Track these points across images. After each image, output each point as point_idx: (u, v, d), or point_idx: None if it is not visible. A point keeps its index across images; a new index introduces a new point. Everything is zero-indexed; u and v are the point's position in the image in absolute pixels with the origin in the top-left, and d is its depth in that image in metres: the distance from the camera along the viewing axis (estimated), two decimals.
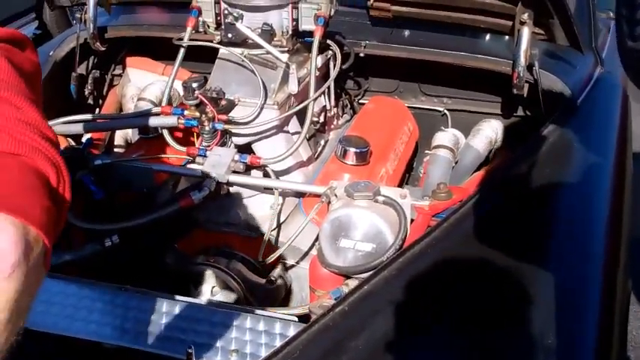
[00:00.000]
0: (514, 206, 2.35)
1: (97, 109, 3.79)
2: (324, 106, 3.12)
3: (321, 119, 3.11)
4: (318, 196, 2.57)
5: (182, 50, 2.87)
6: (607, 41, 3.48)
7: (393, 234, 2.35)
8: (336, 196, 2.47)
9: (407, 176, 3.38)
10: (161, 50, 3.56)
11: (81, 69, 3.67)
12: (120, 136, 3.54)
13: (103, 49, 3.56)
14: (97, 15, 3.45)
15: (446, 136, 3.18)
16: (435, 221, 2.49)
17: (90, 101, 3.76)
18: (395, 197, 2.43)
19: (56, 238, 1.03)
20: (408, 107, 3.53)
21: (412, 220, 2.49)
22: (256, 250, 2.68)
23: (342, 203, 2.44)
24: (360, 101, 3.66)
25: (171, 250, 2.76)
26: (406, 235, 2.37)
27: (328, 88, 3.00)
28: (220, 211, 2.83)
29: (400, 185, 3.16)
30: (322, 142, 3.24)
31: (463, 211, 2.28)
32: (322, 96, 3.08)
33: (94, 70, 3.73)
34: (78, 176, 2.67)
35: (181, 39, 2.88)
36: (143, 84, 3.60)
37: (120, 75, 3.86)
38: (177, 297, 2.19)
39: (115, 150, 3.40)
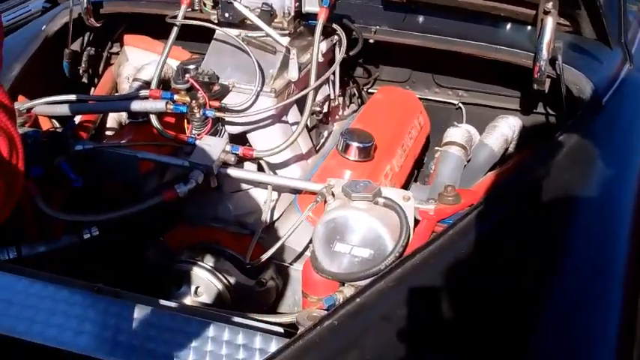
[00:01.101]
0: (527, 215, 2.13)
1: (92, 89, 3.58)
2: (328, 95, 2.89)
3: (324, 109, 2.89)
4: (315, 193, 2.36)
5: (175, 29, 2.66)
6: (637, 36, 3.22)
7: (393, 240, 2.14)
8: (333, 195, 2.25)
9: (416, 173, 3.14)
10: (161, 28, 3.31)
11: (75, 46, 3.46)
12: (113, 119, 3.32)
13: (98, 25, 3.35)
14: None
15: (458, 133, 2.95)
16: (440, 227, 2.26)
17: (84, 80, 3.55)
18: (397, 199, 2.21)
19: (8, 213, 0.99)
20: (421, 99, 3.30)
21: (416, 225, 2.27)
22: (247, 248, 2.47)
23: (338, 204, 2.22)
24: (370, 91, 3.44)
25: (155, 245, 2.56)
26: (408, 242, 2.15)
27: (333, 75, 2.78)
28: (209, 204, 2.63)
29: (408, 183, 2.93)
30: (325, 134, 3.02)
31: (471, 218, 2.06)
32: (326, 84, 2.86)
33: (89, 48, 3.51)
34: (56, 162, 2.46)
35: (175, 17, 2.66)
36: (141, 63, 3.38)
37: (117, 53, 3.64)
38: (152, 300, 1.97)
39: (107, 134, 3.19)
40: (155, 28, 3.43)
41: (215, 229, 2.61)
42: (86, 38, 3.51)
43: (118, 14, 3.39)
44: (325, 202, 2.26)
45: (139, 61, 3.48)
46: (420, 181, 3.23)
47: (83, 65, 3.49)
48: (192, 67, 2.50)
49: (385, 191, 2.24)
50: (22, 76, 3.03)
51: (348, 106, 3.24)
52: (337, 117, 3.09)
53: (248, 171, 2.47)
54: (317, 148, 2.94)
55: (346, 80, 3.27)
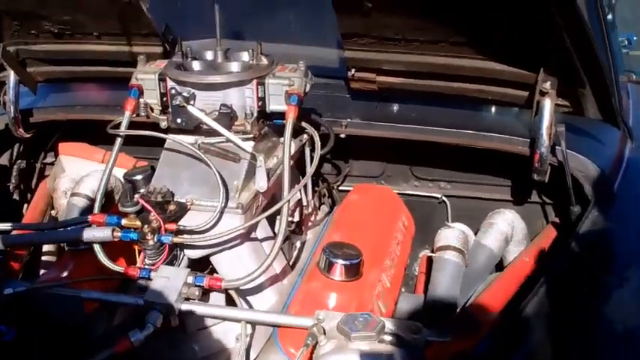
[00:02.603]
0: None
1: (25, 206, 3.14)
2: (300, 201, 2.51)
3: (296, 217, 2.50)
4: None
5: (119, 140, 2.26)
6: (629, 109, 2.92)
7: None
8: (324, 333, 1.84)
9: None
10: (100, 133, 2.92)
11: (3, 160, 3.04)
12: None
13: (29, 135, 2.94)
14: (20, 95, 2.83)
15: (453, 234, 2.58)
16: None
17: (15, 197, 3.12)
18: (405, 334, 1.81)
19: None
20: (398, 194, 2.93)
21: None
22: None
23: (334, 346, 1.81)
24: (341, 188, 3.06)
25: None
26: None
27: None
28: (173, 348, 2.19)
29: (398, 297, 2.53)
30: (298, 245, 2.62)
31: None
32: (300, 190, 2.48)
33: (19, 160, 3.09)
34: None
35: (118, 126, 2.26)
36: (79, 175, 2.96)
37: (52, 164, 3.22)
38: None
39: (43, 264, 2.72)
40: (93, 132, 3.03)
41: None
42: (15, 150, 3.10)
43: (50, 122, 2.98)
44: (316, 344, 1.84)
45: (76, 171, 3.07)
46: (405, 287, 2.83)
47: (13, 181, 3.10)
48: (139, 178, 2.11)
49: (388, 323, 1.84)
50: None
51: (319, 209, 2.85)
52: (310, 223, 2.70)
53: (216, 306, 2.04)
54: (291, 262, 2.53)
55: (314, 179, 2.90)
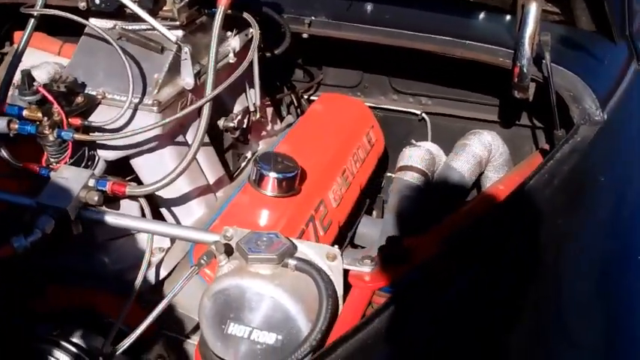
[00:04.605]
0: (504, 280, 1.48)
1: None
2: (248, 107, 2.22)
3: (244, 124, 2.22)
4: None
5: (32, 21, 1.99)
6: None
7: (309, 320, 1.47)
8: (227, 254, 1.57)
9: (366, 203, 2.45)
10: (60, 24, 2.66)
11: None
12: None
13: None
14: None
15: (416, 154, 2.29)
16: (381, 298, 1.59)
17: None
18: (318, 259, 1.55)
19: None
20: (374, 108, 2.66)
21: (345, 295, 1.60)
22: (131, 314, 1.80)
23: (232, 267, 1.55)
24: (312, 98, 2.77)
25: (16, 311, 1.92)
26: (332, 323, 1.48)
27: (250, 81, 2.11)
28: (83, 256, 1.96)
29: (353, 219, 2.26)
30: (249, 155, 2.35)
31: (421, 286, 1.42)
32: (245, 93, 2.20)
33: None
34: None
35: (33, 6, 1.99)
36: (31, 66, 2.70)
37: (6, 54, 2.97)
38: None
39: None
40: (54, 20, 2.75)
41: (88, 290, 1.94)
42: None
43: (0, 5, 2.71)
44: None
45: (30, 63, 2.80)
46: (376, 212, 2.57)
47: None
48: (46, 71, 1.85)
49: (302, 247, 1.57)
50: None
51: (281, 118, 2.56)
52: (264, 133, 2.42)
53: (114, 213, 1.78)
54: (235, 174, 2.27)
55: (279, 85, 2.61)
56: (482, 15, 2.40)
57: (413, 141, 2.45)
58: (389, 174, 2.39)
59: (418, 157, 2.29)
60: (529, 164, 2.30)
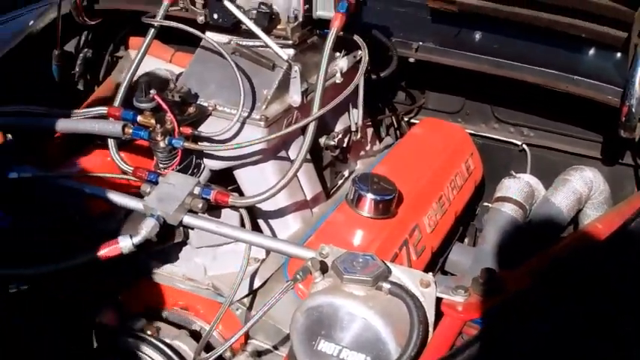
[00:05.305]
0: (600, 314, 1.46)
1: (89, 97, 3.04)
2: (350, 127, 2.26)
3: (344, 143, 2.26)
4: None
5: (152, 31, 2.09)
6: None
7: (399, 345, 1.49)
8: (322, 271, 1.61)
9: (460, 230, 2.45)
10: (171, 33, 2.77)
11: (69, 46, 2.92)
12: None
13: (93, 23, 2.81)
14: None
15: (515, 186, 2.28)
16: (472, 329, 1.59)
17: (80, 86, 3.01)
18: (411, 285, 1.56)
19: None
20: (474, 135, 2.65)
21: (437, 323, 1.61)
22: (222, 320, 1.85)
23: (327, 285, 1.58)
24: (413, 121, 2.78)
25: (108, 306, 2.00)
26: (421, 349, 1.49)
27: (354, 101, 2.15)
28: (179, 259, 2.03)
29: (446, 246, 2.26)
30: (346, 174, 2.38)
31: (514, 319, 1.41)
32: (348, 112, 2.23)
33: (85, 49, 2.96)
34: None
35: (154, 16, 2.08)
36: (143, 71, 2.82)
37: (121, 57, 3.10)
38: None
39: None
40: (166, 29, 2.86)
41: (183, 292, 2.01)
42: (83, 38, 2.97)
43: (118, 12, 2.83)
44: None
45: (143, 68, 2.92)
46: (468, 239, 2.55)
47: (77, 69, 2.96)
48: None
49: (396, 271, 1.59)
50: None
51: (381, 140, 2.59)
52: (363, 153, 2.45)
53: (215, 221, 1.83)
54: (332, 191, 2.31)
55: (381, 107, 2.63)
56: (592, 51, 2.36)
57: (512, 172, 2.44)
58: (485, 203, 2.38)
59: (517, 189, 2.28)
60: (630, 205, 2.25)
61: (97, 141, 2.29)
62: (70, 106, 2.67)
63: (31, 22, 2.80)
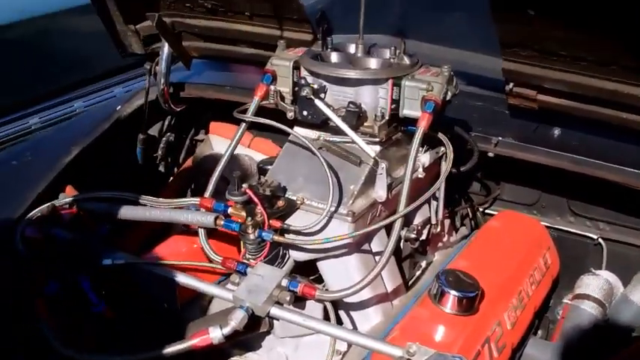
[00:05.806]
0: None
1: (169, 179, 3.15)
2: (429, 219, 2.29)
3: (423, 235, 2.29)
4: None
5: (243, 125, 2.17)
6: None
7: None
8: None
9: (535, 323, 2.44)
10: None
11: (153, 131, 3.05)
12: None
13: (178, 109, 2.93)
14: (172, 69, 2.82)
15: (595, 283, 2.27)
16: None
17: (161, 168, 3.13)
18: None
19: None
20: (550, 228, 2.64)
21: None
22: None
23: None
24: (488, 211, 2.80)
25: None
26: None
27: (434, 194, 2.19)
28: (262, 347, 2.07)
29: (524, 341, 2.25)
30: (423, 265, 2.41)
31: None
32: (427, 205, 2.28)
33: (168, 133, 3.09)
34: (77, 279, 1.99)
35: (245, 111, 2.17)
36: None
37: (202, 141, 3.21)
38: None
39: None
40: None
41: None
42: (167, 123, 3.10)
43: (201, 99, 2.95)
44: None
45: (220, 149, 3.03)
46: (543, 334, 2.54)
47: (160, 152, 3.09)
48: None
49: None
50: (78, 162, 2.60)
51: (457, 231, 2.62)
52: (440, 244, 2.48)
53: (303, 315, 1.87)
54: (410, 283, 2.33)
55: (457, 197, 2.67)
56: None
57: (592, 269, 2.43)
58: (565, 300, 2.37)
59: (596, 286, 2.28)
60: None
61: (183, 227, 2.37)
62: (152, 187, 2.79)
63: (119, 107, 2.93)
